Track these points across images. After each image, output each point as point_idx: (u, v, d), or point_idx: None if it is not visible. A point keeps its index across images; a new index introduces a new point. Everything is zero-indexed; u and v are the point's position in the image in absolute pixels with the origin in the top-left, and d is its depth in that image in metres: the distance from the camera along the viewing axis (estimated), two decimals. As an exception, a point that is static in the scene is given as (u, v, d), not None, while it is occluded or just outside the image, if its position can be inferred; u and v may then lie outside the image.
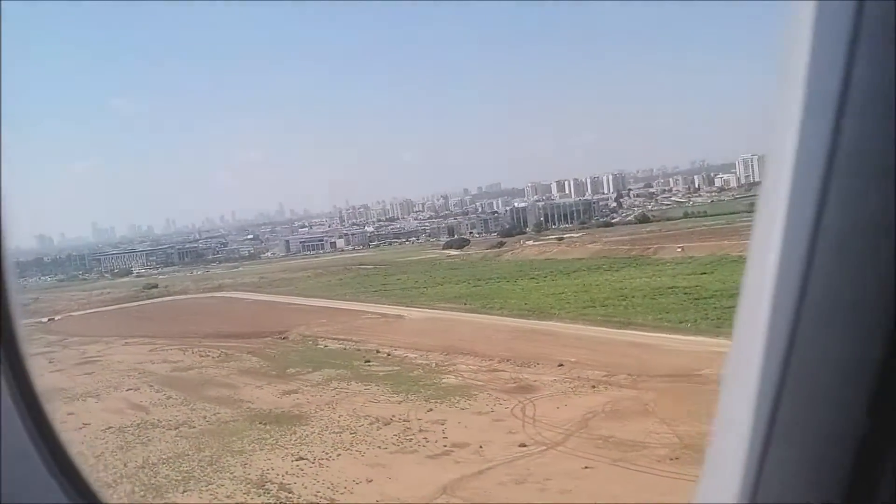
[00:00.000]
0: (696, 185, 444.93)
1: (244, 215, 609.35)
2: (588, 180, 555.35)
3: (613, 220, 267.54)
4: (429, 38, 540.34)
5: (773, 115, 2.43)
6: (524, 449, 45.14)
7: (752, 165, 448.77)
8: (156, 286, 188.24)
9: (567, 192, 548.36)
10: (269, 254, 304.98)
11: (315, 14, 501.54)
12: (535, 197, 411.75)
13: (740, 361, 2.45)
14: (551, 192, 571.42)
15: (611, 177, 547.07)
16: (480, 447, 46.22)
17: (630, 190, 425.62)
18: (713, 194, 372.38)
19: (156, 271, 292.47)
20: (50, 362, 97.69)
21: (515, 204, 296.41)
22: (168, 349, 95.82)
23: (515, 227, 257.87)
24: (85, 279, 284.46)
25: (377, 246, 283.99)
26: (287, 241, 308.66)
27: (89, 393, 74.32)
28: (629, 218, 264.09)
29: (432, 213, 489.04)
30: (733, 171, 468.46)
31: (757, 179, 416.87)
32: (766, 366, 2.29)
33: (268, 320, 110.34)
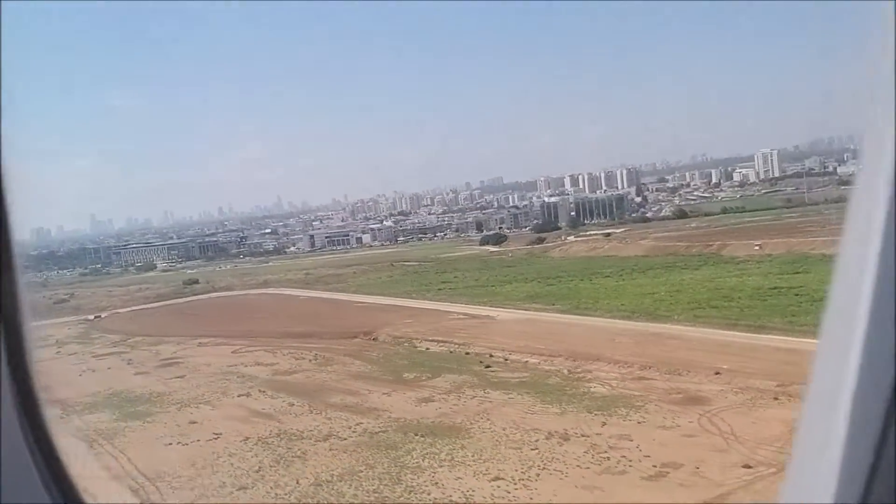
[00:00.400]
0: (715, 180, 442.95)
1: (241, 208, 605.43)
2: (602, 175, 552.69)
3: (648, 216, 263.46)
4: (428, 32, 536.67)
5: (868, 113, 2.38)
6: (751, 471, 41.52)
7: (772, 160, 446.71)
8: (197, 282, 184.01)
9: (581, 186, 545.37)
10: (293, 248, 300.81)
11: (315, 8, 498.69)
12: (549, 191, 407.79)
13: (836, 363, 2.38)
14: (564, 186, 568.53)
15: (624, 171, 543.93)
16: (697, 468, 42.63)
17: (646, 184, 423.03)
18: (735, 189, 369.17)
19: (180, 265, 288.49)
20: (128, 363, 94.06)
21: (545, 199, 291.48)
22: (252, 350, 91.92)
23: (549, 222, 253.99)
24: (108, 273, 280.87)
25: (406, 241, 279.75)
26: (311, 236, 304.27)
27: (197, 399, 70.44)
28: (663, 213, 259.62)
29: (444, 208, 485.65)
30: (751, 165, 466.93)
31: (777, 174, 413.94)
32: (866, 366, 2.23)
33: (345, 320, 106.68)
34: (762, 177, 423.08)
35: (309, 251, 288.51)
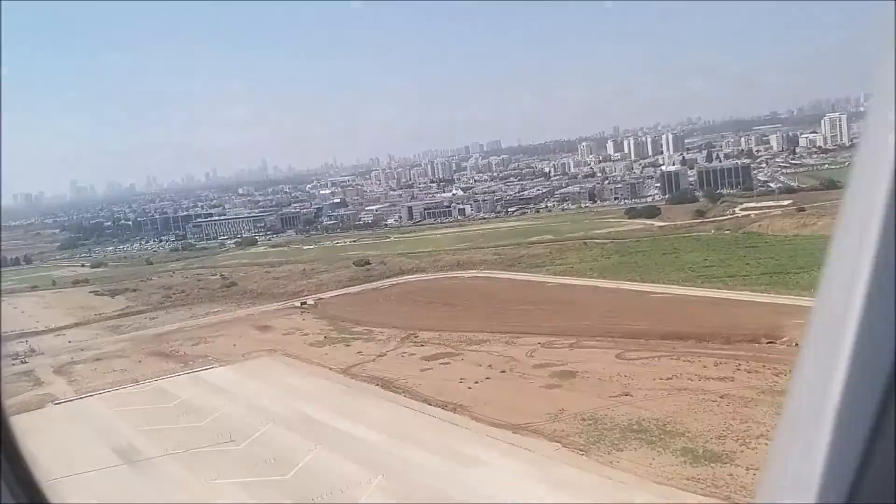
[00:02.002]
0: (776, 146, 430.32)
1: (224, 172, 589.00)
2: (648, 140, 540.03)
3: (774, 186, 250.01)
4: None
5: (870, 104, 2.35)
6: None
7: (840, 124, 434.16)
8: (368, 262, 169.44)
9: (627, 151, 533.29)
10: (390, 221, 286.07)
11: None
12: (592, 156, 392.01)
13: (825, 358, 2.30)
14: (607, 150, 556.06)
15: (671, 136, 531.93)
16: None
17: (714, 148, 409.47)
18: (821, 155, 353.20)
19: (277, 238, 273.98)
20: (502, 371, 79.96)
21: (664, 169, 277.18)
22: (648, 356, 78.51)
23: (685, 193, 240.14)
24: (206, 249, 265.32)
25: (516, 213, 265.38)
26: (410, 208, 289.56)
27: (699, 435, 57.26)
28: (797, 184, 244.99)
29: (489, 175, 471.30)
30: (817, 130, 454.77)
31: (846, 140, 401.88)
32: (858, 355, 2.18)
33: (677, 315, 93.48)
34: (829, 143, 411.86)
35: (412, 224, 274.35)
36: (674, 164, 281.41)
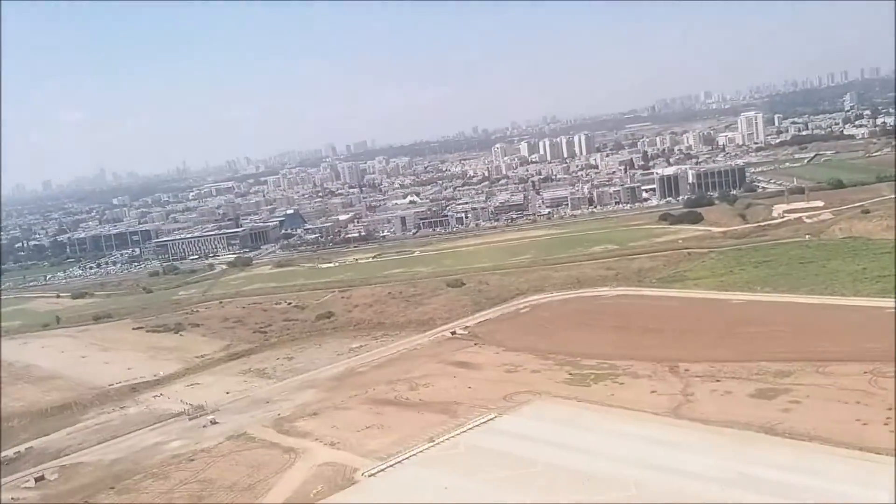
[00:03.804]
0: (691, 143, 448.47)
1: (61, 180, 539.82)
2: (563, 141, 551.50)
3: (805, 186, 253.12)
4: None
5: None
6: None
7: (757, 123, 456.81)
8: (463, 283, 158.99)
9: (543, 153, 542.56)
10: (385, 233, 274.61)
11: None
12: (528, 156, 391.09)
13: None
14: (520, 151, 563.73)
15: (583, 137, 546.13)
16: None
17: (611, 150, 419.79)
18: (755, 154, 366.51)
19: (258, 255, 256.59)
20: (858, 402, 74.59)
21: (661, 172, 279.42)
22: None
23: (701, 196, 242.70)
24: (195, 270, 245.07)
25: (521, 220, 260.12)
26: (403, 219, 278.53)
27: None
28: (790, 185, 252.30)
29: (412, 179, 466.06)
30: (736, 129, 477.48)
31: (761, 138, 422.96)
32: None
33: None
34: (745, 141, 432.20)
35: (411, 237, 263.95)
36: (674, 169, 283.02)
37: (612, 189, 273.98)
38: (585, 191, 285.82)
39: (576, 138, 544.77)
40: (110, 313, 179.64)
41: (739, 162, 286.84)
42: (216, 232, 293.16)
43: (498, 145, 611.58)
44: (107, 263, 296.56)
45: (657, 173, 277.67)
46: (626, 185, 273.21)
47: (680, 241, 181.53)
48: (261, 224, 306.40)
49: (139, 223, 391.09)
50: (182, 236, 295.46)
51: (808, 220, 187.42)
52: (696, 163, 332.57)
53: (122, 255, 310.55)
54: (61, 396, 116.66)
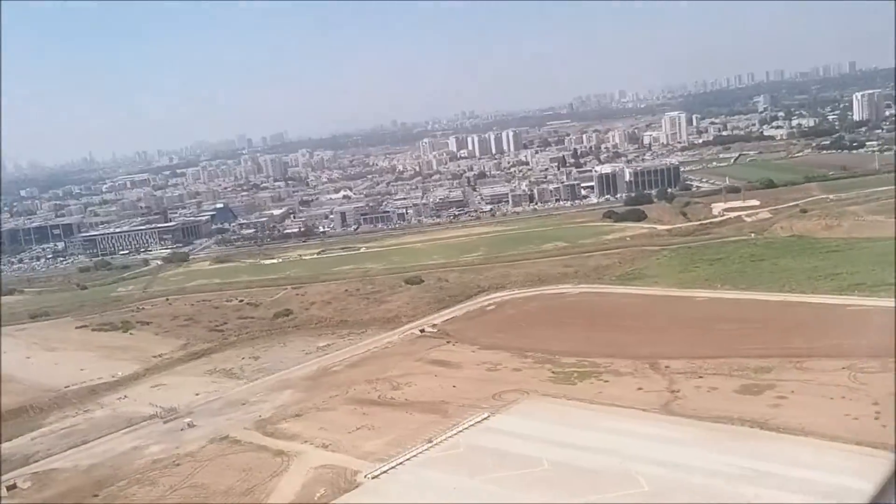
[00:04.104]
0: (624, 143, 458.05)
1: None
2: (491, 137, 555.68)
3: (736, 185, 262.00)
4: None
5: None
6: None
7: (680, 123, 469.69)
8: (421, 280, 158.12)
9: (472, 148, 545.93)
10: (323, 229, 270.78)
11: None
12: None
13: None
14: (449, 147, 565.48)
15: (511, 133, 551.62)
16: None
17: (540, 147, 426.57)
18: (681, 153, 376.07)
19: (197, 251, 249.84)
20: (844, 398, 77.68)
21: (599, 170, 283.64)
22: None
23: (640, 194, 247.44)
24: (128, 266, 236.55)
25: (464, 217, 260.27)
26: (343, 214, 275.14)
27: None
28: (726, 183, 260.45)
29: (339, 173, 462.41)
30: (658, 128, 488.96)
31: (683, 138, 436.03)
32: None
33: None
34: (669, 140, 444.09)
35: (353, 233, 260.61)
36: (611, 168, 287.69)
37: (550, 186, 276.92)
38: (524, 188, 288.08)
39: (504, 134, 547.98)
40: (47, 311, 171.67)
41: (674, 161, 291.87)
42: (146, 226, 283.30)
43: (425, 140, 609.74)
44: (29, 259, 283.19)
45: (596, 171, 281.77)
46: (566, 183, 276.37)
47: (628, 239, 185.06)
48: (192, 218, 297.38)
49: (56, 216, 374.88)
50: (110, 230, 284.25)
51: (747, 219, 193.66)
52: (627, 161, 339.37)
53: (44, 249, 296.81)
54: (14, 400, 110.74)
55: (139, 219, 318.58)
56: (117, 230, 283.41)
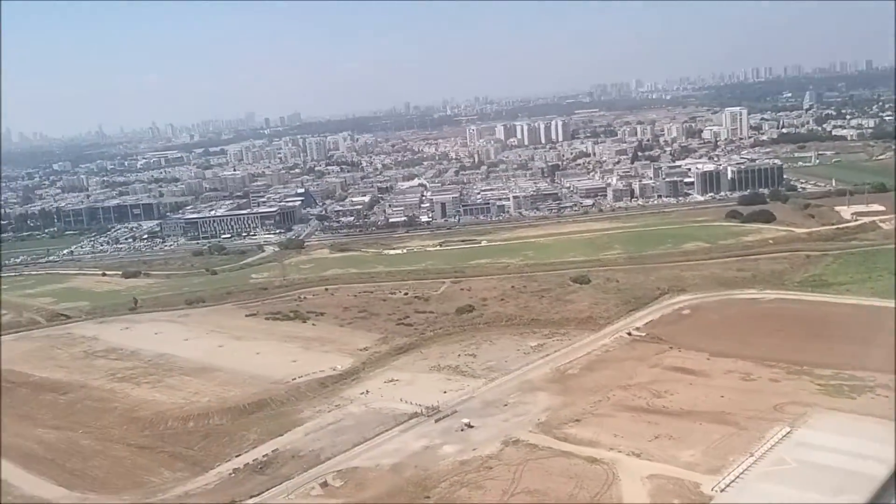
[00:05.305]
0: (674, 136, 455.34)
1: None
2: (541, 126, 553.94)
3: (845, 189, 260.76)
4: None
5: None
6: None
7: (741, 118, 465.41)
8: (588, 280, 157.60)
9: (521, 137, 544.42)
10: (424, 219, 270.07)
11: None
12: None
13: None
14: (495, 133, 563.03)
15: (560, 123, 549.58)
16: None
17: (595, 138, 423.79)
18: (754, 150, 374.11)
19: (304, 239, 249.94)
20: None
21: (702, 168, 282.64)
22: None
23: (754, 195, 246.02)
24: (244, 252, 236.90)
25: (561, 211, 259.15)
26: (443, 205, 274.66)
27: None
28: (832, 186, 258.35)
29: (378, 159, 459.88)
30: (709, 122, 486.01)
31: (745, 134, 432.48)
32: None
33: None
34: (729, 136, 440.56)
35: (445, 224, 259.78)
36: (710, 166, 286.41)
37: (643, 182, 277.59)
38: (615, 181, 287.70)
39: (552, 124, 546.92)
40: (203, 297, 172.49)
41: (776, 161, 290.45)
42: (245, 211, 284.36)
43: (473, 127, 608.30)
44: (116, 239, 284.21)
45: (698, 168, 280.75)
46: (667, 179, 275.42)
47: (771, 242, 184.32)
48: (289, 203, 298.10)
49: (120, 196, 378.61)
50: (213, 214, 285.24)
51: (882, 225, 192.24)
52: (709, 158, 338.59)
53: (131, 229, 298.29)
54: (249, 392, 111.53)
55: (228, 202, 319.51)
56: (220, 213, 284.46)
